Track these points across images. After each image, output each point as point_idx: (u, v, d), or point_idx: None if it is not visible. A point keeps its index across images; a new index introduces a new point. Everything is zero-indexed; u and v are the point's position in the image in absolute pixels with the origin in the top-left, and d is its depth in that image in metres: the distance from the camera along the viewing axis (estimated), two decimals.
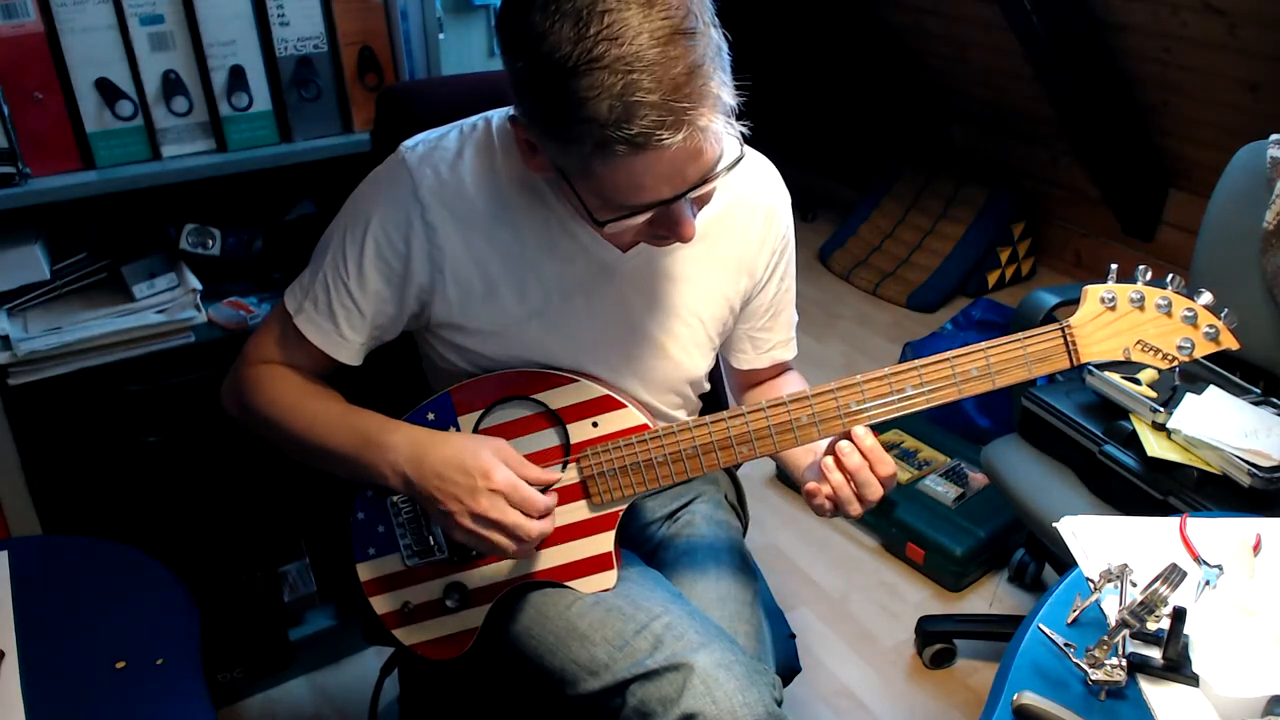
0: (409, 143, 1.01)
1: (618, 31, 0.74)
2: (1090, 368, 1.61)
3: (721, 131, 0.80)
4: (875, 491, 0.96)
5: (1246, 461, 1.37)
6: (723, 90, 0.79)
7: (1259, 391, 1.58)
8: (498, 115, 1.03)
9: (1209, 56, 2.61)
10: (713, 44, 0.79)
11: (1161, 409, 1.49)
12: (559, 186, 0.93)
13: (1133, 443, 1.49)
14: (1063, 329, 0.93)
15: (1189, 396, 1.51)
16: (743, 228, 1.08)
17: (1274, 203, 1.55)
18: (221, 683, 1.72)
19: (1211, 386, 1.55)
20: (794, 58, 4.01)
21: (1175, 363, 0.93)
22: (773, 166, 1.12)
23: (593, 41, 0.74)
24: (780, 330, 1.19)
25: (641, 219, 0.87)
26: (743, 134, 0.83)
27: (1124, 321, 0.93)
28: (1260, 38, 2.44)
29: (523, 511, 0.96)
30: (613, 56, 0.74)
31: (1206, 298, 0.92)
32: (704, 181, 0.84)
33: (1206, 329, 0.92)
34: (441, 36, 1.59)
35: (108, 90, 1.34)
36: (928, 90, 3.88)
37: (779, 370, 1.24)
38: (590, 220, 0.88)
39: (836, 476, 0.96)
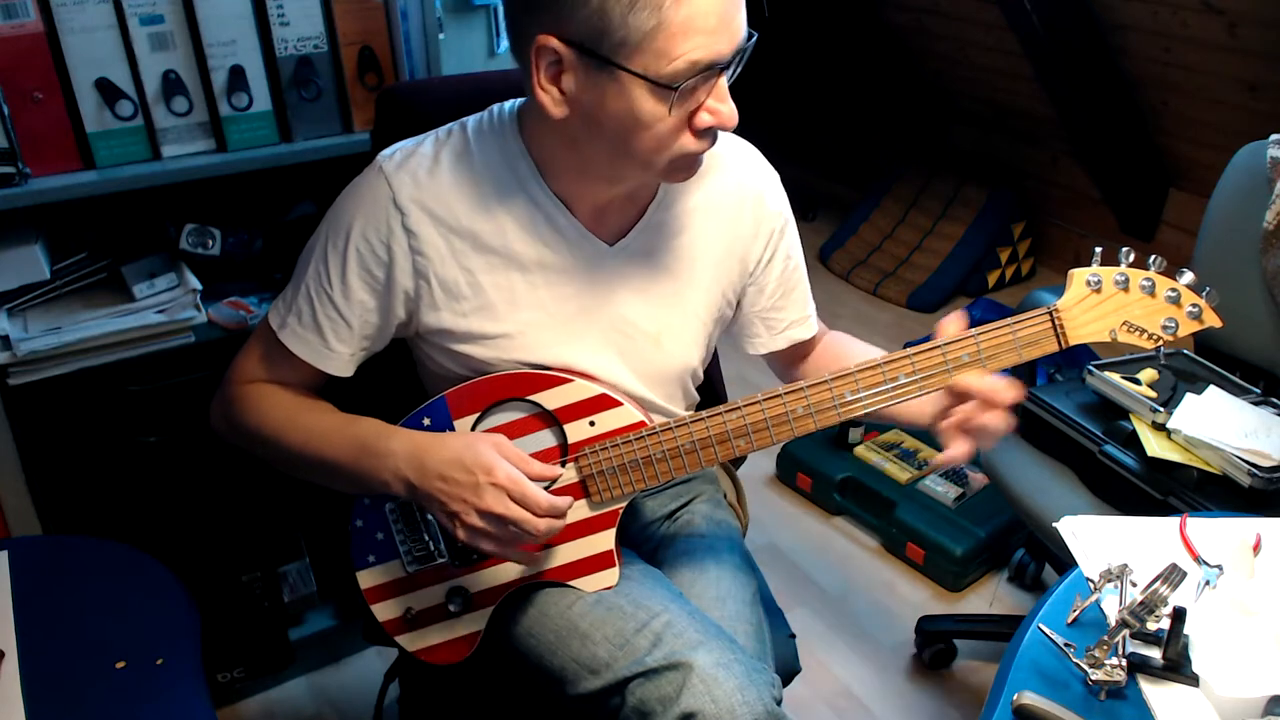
0: (385, 152, 1.01)
1: None
2: (1090, 368, 1.61)
3: None
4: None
5: (1246, 461, 1.36)
6: None
7: (1259, 391, 1.58)
8: (471, 120, 1.03)
9: (1209, 56, 2.61)
10: None
11: (1161, 409, 1.49)
12: (590, 113, 0.90)
13: (1133, 443, 1.49)
14: (1050, 312, 0.95)
15: (1189, 396, 1.51)
16: (731, 215, 1.09)
17: (1274, 203, 1.55)
18: (221, 683, 1.72)
19: (1211, 386, 1.55)
20: (794, 58, 4.01)
21: (1160, 342, 0.95)
22: (757, 151, 1.13)
23: None
24: (794, 309, 1.18)
25: (696, 97, 0.88)
26: None
27: (1110, 303, 0.94)
28: (1260, 38, 2.44)
29: (523, 508, 0.96)
30: None
31: (1188, 277, 0.93)
32: (741, 56, 0.89)
33: (1190, 308, 0.93)
34: (441, 36, 1.58)
35: (108, 90, 1.34)
36: (928, 90, 3.89)
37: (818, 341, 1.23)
38: (654, 98, 0.86)
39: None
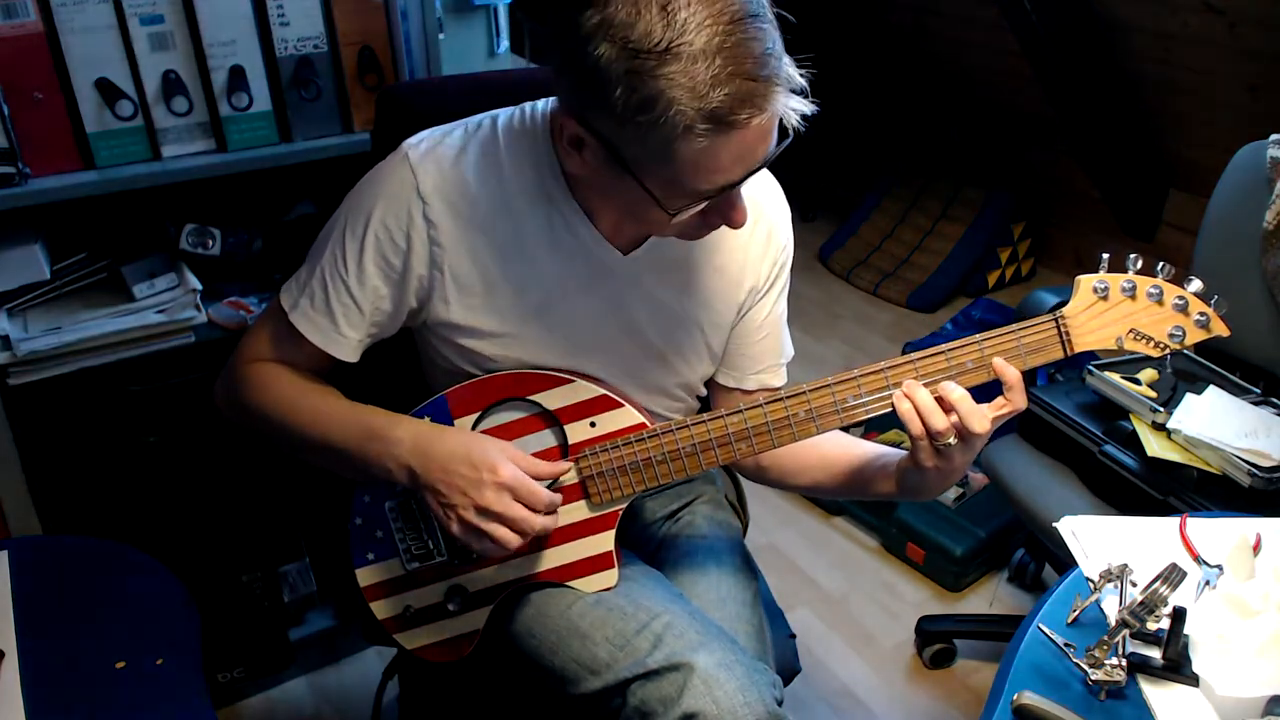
0: (412, 140, 1.01)
1: (702, 17, 0.78)
2: (1090, 368, 1.61)
3: (789, 111, 0.84)
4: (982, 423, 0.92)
5: (1246, 461, 1.37)
6: (792, 70, 0.83)
7: (1259, 391, 1.58)
8: (503, 115, 1.02)
9: (1209, 56, 2.61)
10: (775, 26, 0.83)
11: (1161, 409, 1.49)
12: (606, 183, 0.91)
13: (1133, 443, 1.49)
14: (1056, 319, 0.94)
15: (1189, 396, 1.51)
16: (744, 238, 1.08)
17: (1274, 203, 1.55)
18: (221, 683, 1.72)
19: (1211, 386, 1.55)
20: (793, 58, 4.00)
21: (1167, 351, 0.94)
22: (775, 180, 1.12)
23: (681, 27, 0.77)
24: (770, 354, 1.15)
25: (703, 206, 0.88)
26: (811, 113, 0.85)
27: (1116, 311, 0.93)
28: (1260, 38, 2.44)
29: (527, 506, 0.96)
30: (703, 40, 0.77)
31: (1196, 285, 0.92)
32: (764, 162, 0.87)
33: (1197, 316, 0.93)
34: (441, 36, 1.59)
35: (108, 90, 1.34)
36: (928, 90, 3.88)
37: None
38: (659, 209, 0.87)
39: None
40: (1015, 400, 0.93)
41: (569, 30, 0.81)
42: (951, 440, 0.92)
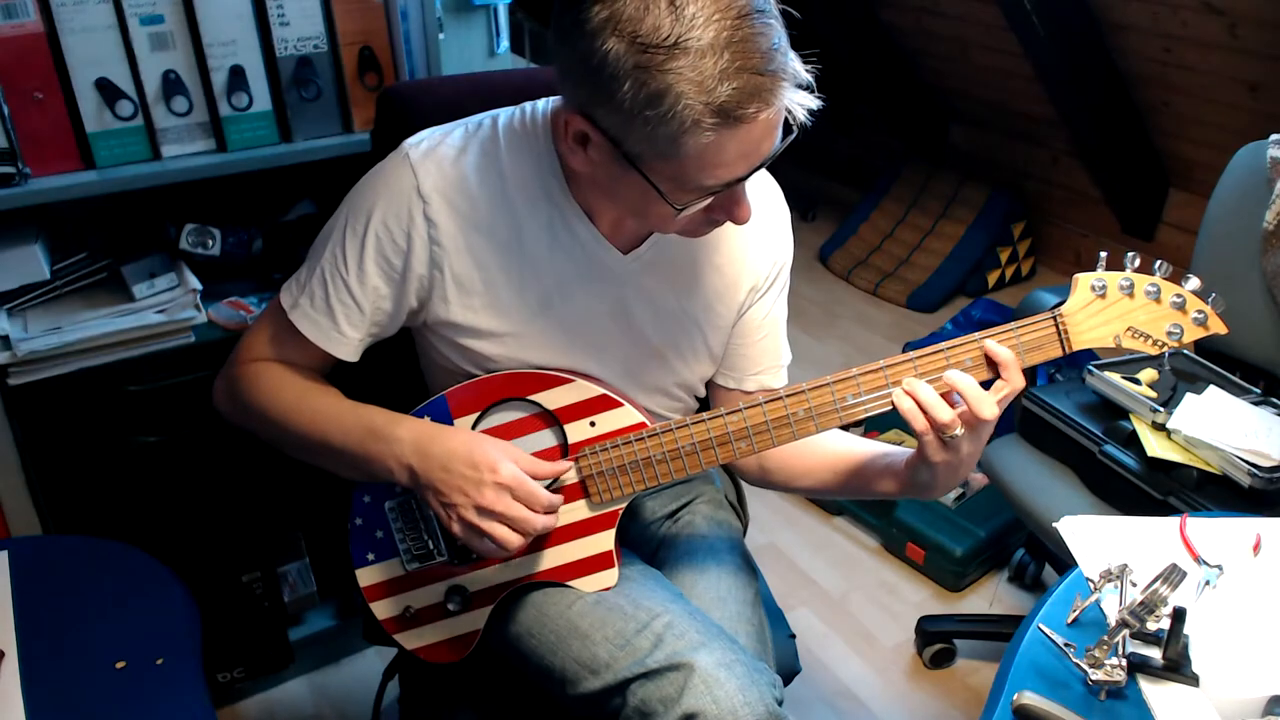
0: (413, 139, 1.01)
1: (710, 12, 0.78)
2: (1090, 368, 1.61)
3: (795, 106, 0.84)
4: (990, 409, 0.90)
5: (1246, 461, 1.37)
6: (797, 65, 0.83)
7: (1259, 391, 1.58)
8: (504, 114, 1.02)
9: (1209, 56, 2.61)
10: (780, 22, 0.83)
11: (1161, 409, 1.49)
12: (611, 180, 0.91)
13: (1133, 443, 1.49)
14: (1054, 317, 0.94)
15: (1189, 396, 1.51)
16: (744, 238, 1.08)
17: (1274, 203, 1.56)
18: (221, 683, 1.72)
19: (1211, 386, 1.55)
20: (797, 54, 4.00)
21: (1165, 348, 0.94)
22: (774, 181, 1.12)
23: (689, 21, 0.78)
24: (770, 355, 1.15)
25: (708, 201, 0.89)
26: (817, 108, 0.85)
27: (1114, 309, 0.94)
28: (1260, 38, 2.44)
29: (526, 506, 0.96)
30: (711, 34, 0.78)
31: (1194, 283, 0.93)
32: (770, 157, 0.87)
33: (1195, 314, 0.93)
34: (441, 36, 1.59)
35: (108, 90, 1.34)
36: (928, 90, 3.88)
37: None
38: (665, 205, 0.88)
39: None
40: (1013, 379, 0.93)
41: (575, 25, 0.81)
42: (958, 431, 0.92)
